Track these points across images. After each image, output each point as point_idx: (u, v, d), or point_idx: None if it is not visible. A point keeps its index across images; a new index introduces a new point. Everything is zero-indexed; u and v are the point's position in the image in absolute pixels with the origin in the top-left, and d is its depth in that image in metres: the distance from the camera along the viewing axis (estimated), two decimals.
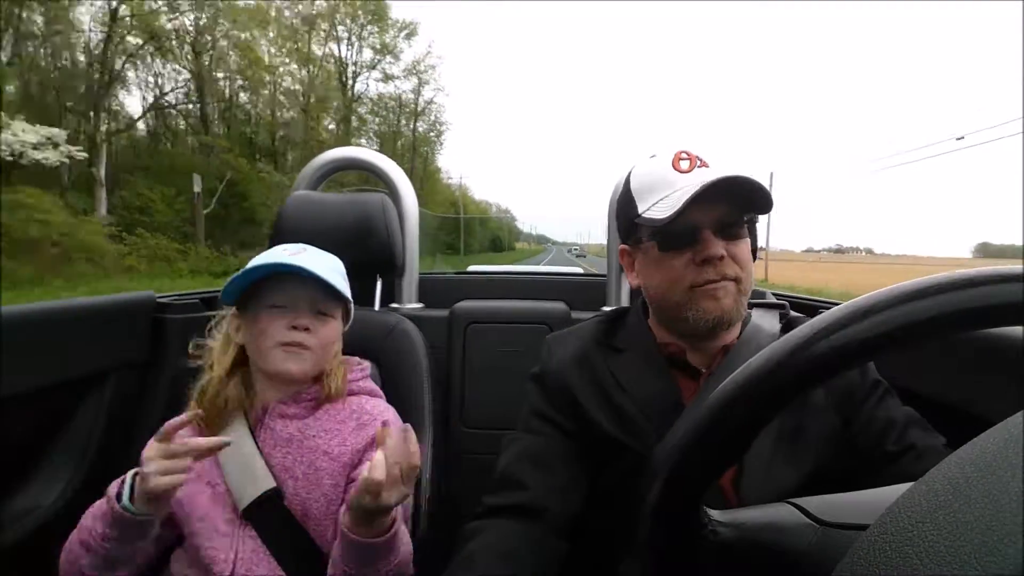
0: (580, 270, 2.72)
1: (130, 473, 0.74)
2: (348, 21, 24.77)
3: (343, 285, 0.89)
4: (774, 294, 1.26)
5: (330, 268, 0.88)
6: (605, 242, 1.59)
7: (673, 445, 0.36)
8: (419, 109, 29.05)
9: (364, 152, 1.54)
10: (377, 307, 1.35)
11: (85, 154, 13.01)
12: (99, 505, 0.76)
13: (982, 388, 0.81)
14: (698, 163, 0.75)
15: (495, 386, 1.35)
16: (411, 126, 29.03)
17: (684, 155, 0.76)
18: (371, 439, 0.85)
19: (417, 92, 28.54)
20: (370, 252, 1.21)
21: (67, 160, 12.25)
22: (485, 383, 1.36)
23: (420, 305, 1.50)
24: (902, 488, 0.25)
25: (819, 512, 0.37)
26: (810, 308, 1.23)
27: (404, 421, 0.91)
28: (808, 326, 0.32)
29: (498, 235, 51.96)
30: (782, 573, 0.35)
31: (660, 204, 0.75)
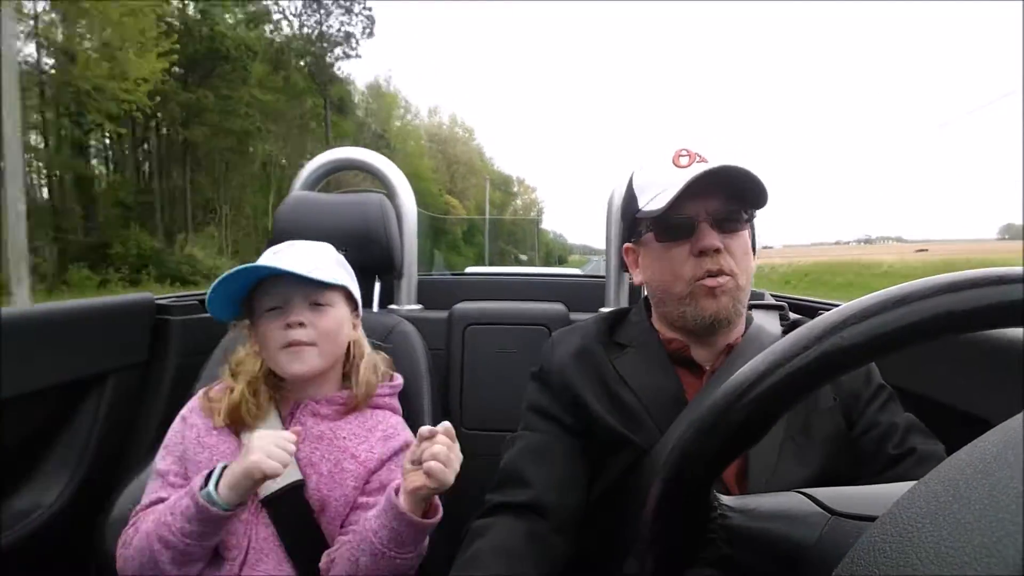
0: (579, 271, 2.70)
1: (216, 468, 0.76)
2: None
3: (332, 271, 0.88)
4: (772, 295, 1.27)
5: (317, 257, 0.88)
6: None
7: (691, 421, 0.35)
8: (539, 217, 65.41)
9: (363, 152, 1.53)
10: (376, 309, 1.34)
11: None
12: (175, 503, 0.77)
13: (982, 389, 0.81)
14: (697, 159, 0.77)
15: (494, 387, 1.34)
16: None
17: (684, 152, 0.78)
18: (394, 451, 0.87)
19: (538, 213, 66.58)
20: (368, 253, 1.20)
21: None
22: (484, 384, 1.36)
23: (419, 307, 1.49)
24: (911, 484, 0.25)
25: (831, 502, 0.36)
26: (809, 309, 1.23)
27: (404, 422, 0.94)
28: (824, 319, 0.31)
29: (561, 253, 69.08)
30: (791, 560, 0.35)
31: (658, 198, 0.77)
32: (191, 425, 0.87)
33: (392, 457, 0.87)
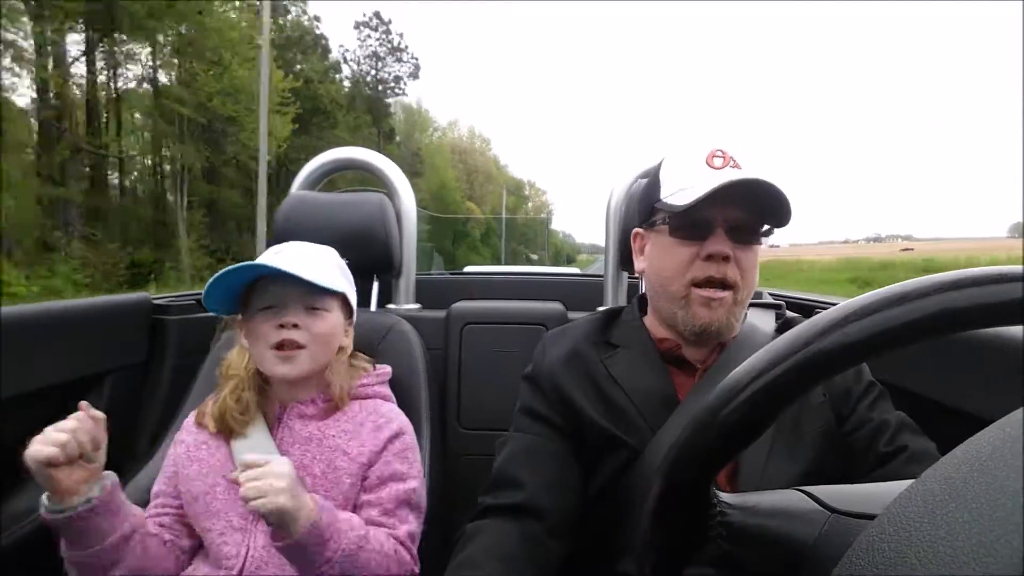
0: (577, 270, 2.69)
1: None
2: None
3: (332, 277, 0.84)
4: (771, 294, 1.20)
5: (318, 261, 0.85)
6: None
7: (692, 418, 0.34)
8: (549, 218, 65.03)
9: (363, 152, 1.47)
10: (374, 308, 1.31)
11: None
12: None
13: (975, 387, 0.78)
14: (731, 163, 0.73)
15: (492, 387, 1.29)
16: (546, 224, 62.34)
17: (719, 153, 0.74)
18: (387, 439, 0.84)
19: (548, 215, 65.28)
20: (367, 253, 1.18)
21: None
22: (482, 384, 1.31)
23: (417, 306, 1.43)
24: (910, 482, 0.24)
25: (831, 500, 0.35)
26: (807, 308, 1.18)
27: None
28: (826, 316, 0.30)
29: (569, 253, 71.17)
30: (791, 558, 0.34)
31: (682, 193, 0.73)
32: (180, 442, 0.86)
33: (386, 447, 0.83)
